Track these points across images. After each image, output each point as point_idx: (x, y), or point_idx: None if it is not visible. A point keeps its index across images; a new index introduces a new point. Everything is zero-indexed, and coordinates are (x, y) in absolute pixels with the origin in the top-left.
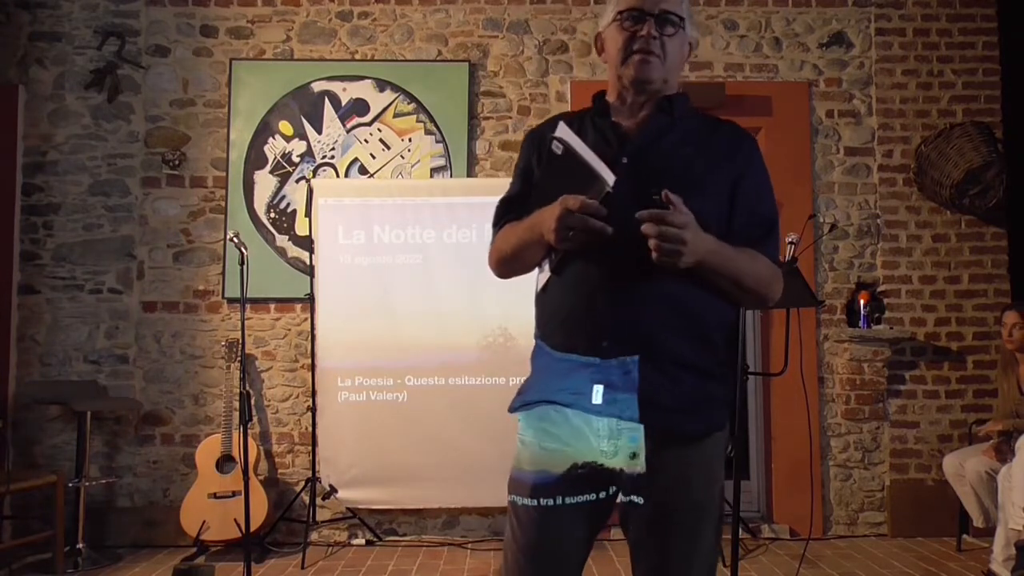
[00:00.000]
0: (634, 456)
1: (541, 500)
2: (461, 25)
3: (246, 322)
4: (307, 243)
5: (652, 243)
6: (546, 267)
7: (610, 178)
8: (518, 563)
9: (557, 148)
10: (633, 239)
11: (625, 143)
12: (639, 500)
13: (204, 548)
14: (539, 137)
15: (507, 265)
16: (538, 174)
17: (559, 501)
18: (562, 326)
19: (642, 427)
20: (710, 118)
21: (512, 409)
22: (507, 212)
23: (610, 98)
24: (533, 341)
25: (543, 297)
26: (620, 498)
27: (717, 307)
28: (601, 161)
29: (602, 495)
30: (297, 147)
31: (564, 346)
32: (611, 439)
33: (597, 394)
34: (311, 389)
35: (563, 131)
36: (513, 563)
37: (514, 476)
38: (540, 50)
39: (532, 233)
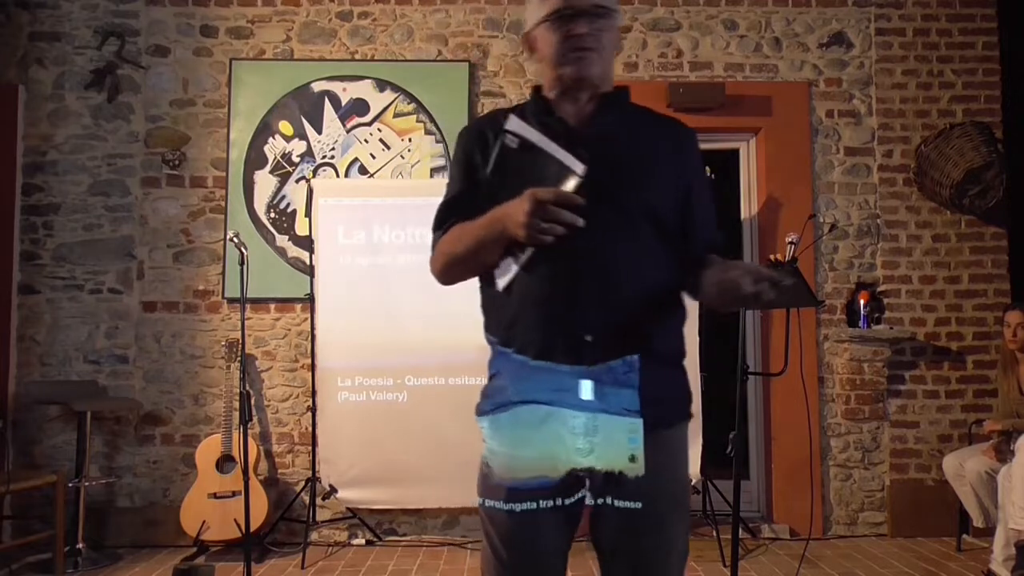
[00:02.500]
0: (633, 459)
1: (517, 505)
2: (461, 25)
3: (246, 322)
4: (307, 243)
5: (755, 287)
6: (508, 266)
7: (579, 167)
8: (497, 571)
9: (512, 142)
10: (601, 231)
11: (576, 138)
12: (619, 502)
13: (204, 548)
14: (478, 134)
15: (458, 268)
16: (485, 171)
17: (535, 505)
18: (540, 326)
19: (640, 427)
20: (652, 112)
21: (482, 413)
22: (451, 214)
23: (549, 95)
24: None
25: (504, 298)
26: (592, 501)
27: (681, 299)
28: (566, 151)
29: (576, 497)
30: (297, 147)
31: (540, 347)
32: (587, 436)
33: (586, 389)
34: (311, 389)
35: (516, 124)
36: (492, 571)
37: (486, 482)
38: None
39: (490, 231)
